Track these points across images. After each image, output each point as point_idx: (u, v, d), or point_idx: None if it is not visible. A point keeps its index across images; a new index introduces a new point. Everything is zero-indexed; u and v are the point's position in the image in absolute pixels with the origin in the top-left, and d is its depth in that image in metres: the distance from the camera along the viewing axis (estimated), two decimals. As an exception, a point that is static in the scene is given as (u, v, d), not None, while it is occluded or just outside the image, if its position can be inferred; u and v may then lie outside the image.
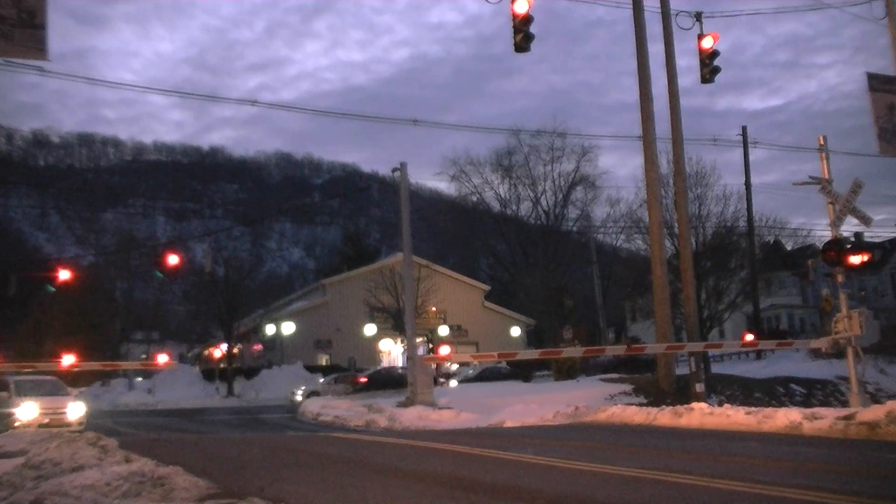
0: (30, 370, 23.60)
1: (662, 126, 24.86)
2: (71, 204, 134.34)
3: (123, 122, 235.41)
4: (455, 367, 43.14)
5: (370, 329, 52.86)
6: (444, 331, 52.69)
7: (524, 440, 12.93)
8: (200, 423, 26.00)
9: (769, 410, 13.93)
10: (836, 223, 17.43)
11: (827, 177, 17.71)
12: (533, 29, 16.04)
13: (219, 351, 49.68)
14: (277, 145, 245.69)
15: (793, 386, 27.09)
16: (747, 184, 40.45)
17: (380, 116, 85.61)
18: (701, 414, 14.52)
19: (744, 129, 41.74)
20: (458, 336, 54.21)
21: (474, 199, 67.20)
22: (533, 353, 34.25)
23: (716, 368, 33.27)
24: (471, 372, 41.83)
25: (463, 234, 66.23)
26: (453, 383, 40.14)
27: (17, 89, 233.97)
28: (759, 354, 38.81)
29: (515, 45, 16.11)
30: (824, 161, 18.02)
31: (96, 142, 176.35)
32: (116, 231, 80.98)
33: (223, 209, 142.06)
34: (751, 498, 6.58)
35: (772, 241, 51.64)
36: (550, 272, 53.20)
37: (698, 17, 21.42)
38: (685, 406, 15.49)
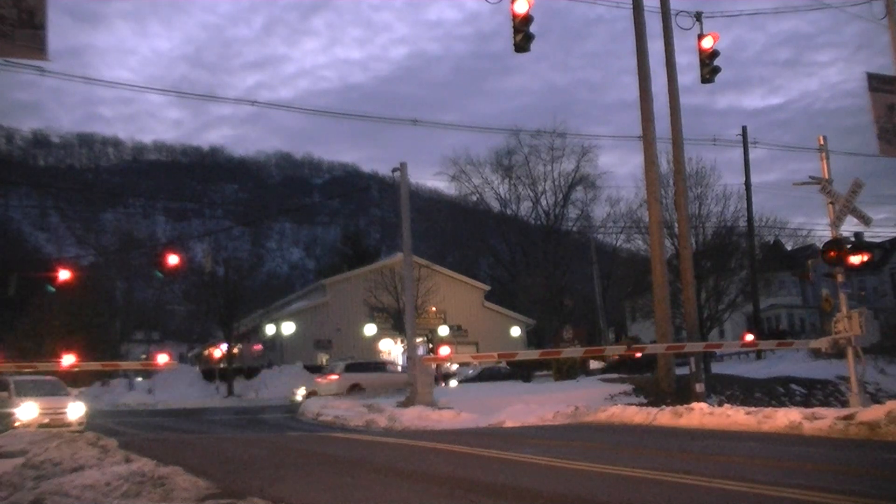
0: (30, 370, 23.58)
1: (662, 125, 24.88)
2: (71, 204, 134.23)
3: (121, 120, 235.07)
4: (455, 367, 43.14)
5: (370, 329, 52.85)
6: (444, 331, 52.64)
7: (524, 440, 12.93)
8: (200, 423, 26.00)
9: (769, 410, 13.93)
10: (836, 223, 17.44)
11: (827, 177, 17.72)
12: (532, 27, 16.01)
13: (219, 351, 49.67)
14: (276, 144, 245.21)
15: (793, 386, 27.09)
16: (747, 184, 40.47)
17: (380, 116, 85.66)
18: (701, 414, 14.52)
19: (744, 128, 41.82)
20: (458, 336, 54.16)
21: (474, 199, 67.26)
22: (533, 354, 34.27)
23: (716, 368, 33.25)
24: (471, 372, 41.84)
25: (463, 234, 66.22)
26: (453, 383, 40.14)
27: (13, 88, 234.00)
28: (758, 354, 38.82)
29: (515, 45, 16.09)
30: (824, 161, 18.04)
31: (96, 142, 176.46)
32: (116, 231, 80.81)
33: (223, 209, 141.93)
34: (751, 498, 6.58)
35: (772, 241, 51.64)
36: (550, 272, 53.22)
37: (698, 17, 21.42)
38: (685, 406, 15.49)
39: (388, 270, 47.33)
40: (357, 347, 52.28)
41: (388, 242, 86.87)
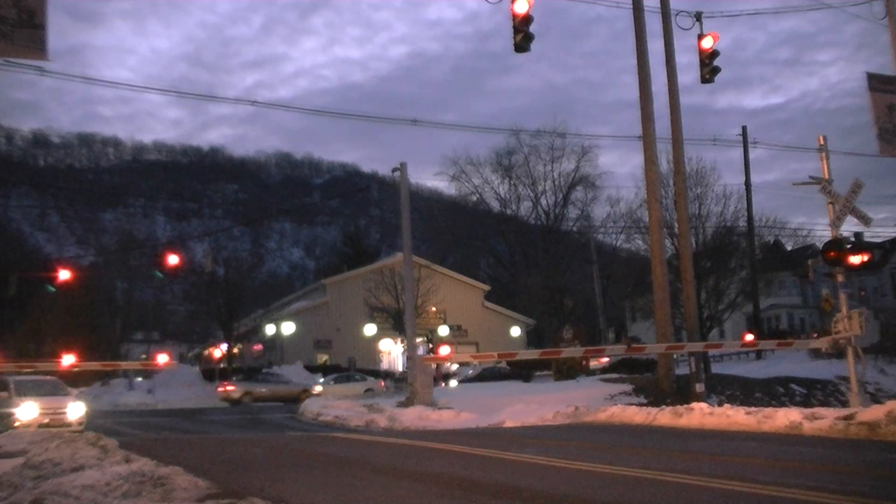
0: (30, 370, 23.57)
1: (662, 124, 24.87)
2: (71, 204, 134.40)
3: (120, 119, 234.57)
4: (455, 367, 43.15)
5: (370, 329, 52.88)
6: (444, 331, 52.68)
7: (524, 440, 12.93)
8: (200, 423, 25.98)
9: (769, 410, 13.92)
10: (836, 223, 17.44)
11: (827, 177, 17.73)
12: (532, 26, 15.99)
13: (219, 351, 49.71)
14: (276, 143, 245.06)
15: (793, 386, 27.09)
16: (747, 184, 40.47)
17: (379, 116, 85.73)
18: (701, 414, 14.51)
19: (744, 128, 41.83)
20: (458, 336, 54.20)
21: (474, 199, 67.27)
22: (533, 353, 34.31)
23: (716, 368, 33.27)
24: (471, 372, 41.85)
25: (463, 234, 66.24)
26: (453, 383, 40.16)
27: (13, 88, 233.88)
28: (759, 354, 38.82)
29: (515, 45, 16.07)
30: (824, 161, 18.05)
31: (96, 142, 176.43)
32: (116, 231, 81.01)
33: (223, 209, 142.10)
34: (751, 498, 6.58)
35: (772, 241, 51.68)
36: (550, 272, 53.21)
37: (698, 17, 21.41)
38: (685, 406, 15.49)
39: (388, 270, 47.36)
40: (357, 347, 52.38)
41: (388, 242, 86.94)
